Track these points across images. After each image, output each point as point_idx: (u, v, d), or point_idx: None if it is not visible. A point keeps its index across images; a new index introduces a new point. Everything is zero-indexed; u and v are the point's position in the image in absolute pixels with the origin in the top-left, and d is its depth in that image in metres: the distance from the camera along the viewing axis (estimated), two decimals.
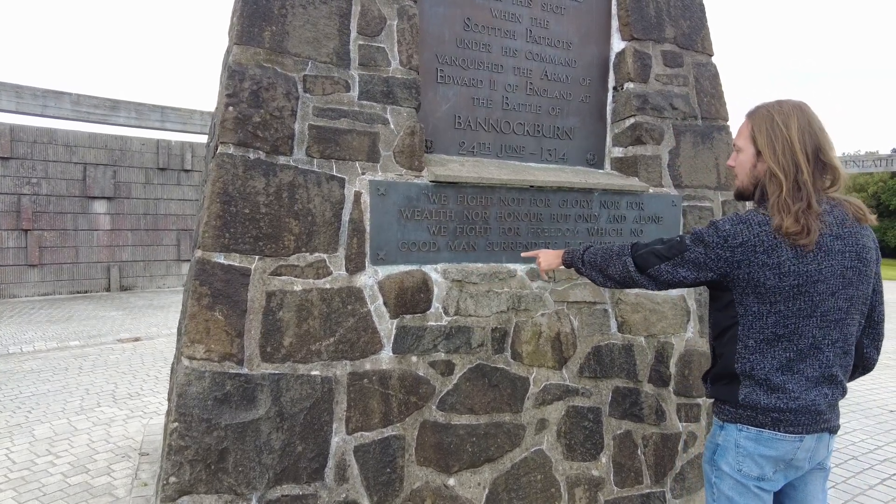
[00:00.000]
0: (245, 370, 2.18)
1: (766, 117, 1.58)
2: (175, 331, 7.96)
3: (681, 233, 3.19)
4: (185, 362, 2.13)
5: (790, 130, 1.54)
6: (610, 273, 1.89)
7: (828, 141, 1.56)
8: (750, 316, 1.58)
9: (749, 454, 1.59)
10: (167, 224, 14.22)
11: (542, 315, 2.76)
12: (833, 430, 1.62)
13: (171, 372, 2.95)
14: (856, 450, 4.25)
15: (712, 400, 1.77)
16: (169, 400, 2.60)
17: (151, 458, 3.74)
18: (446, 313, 2.55)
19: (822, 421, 1.57)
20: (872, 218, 1.59)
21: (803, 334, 1.54)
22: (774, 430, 1.56)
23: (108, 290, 13.27)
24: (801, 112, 1.57)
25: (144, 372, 6.29)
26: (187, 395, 2.09)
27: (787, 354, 1.55)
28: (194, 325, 2.14)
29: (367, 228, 2.43)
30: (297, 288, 2.27)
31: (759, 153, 1.60)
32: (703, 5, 3.54)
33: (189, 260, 12.73)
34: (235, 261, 2.20)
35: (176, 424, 2.07)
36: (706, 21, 3.54)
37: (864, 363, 1.73)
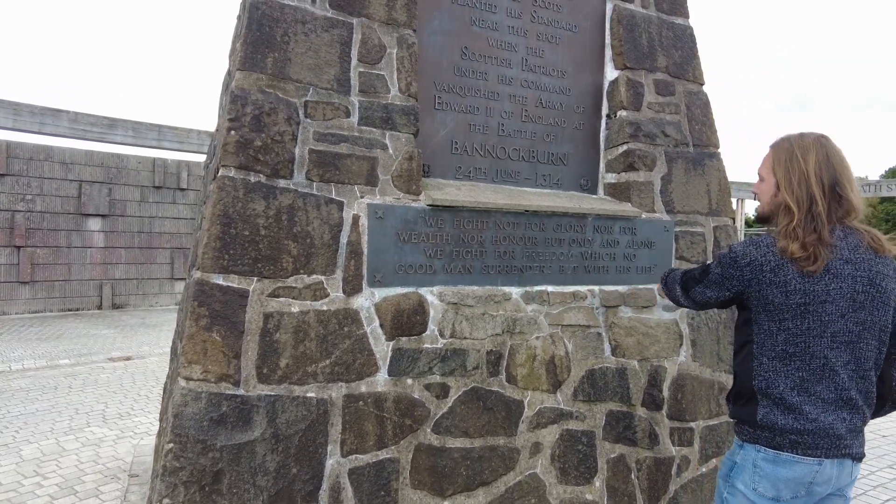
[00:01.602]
0: (241, 391, 2.19)
1: (787, 150, 1.65)
2: (168, 350, 7.91)
3: (673, 257, 3.25)
4: (182, 383, 2.13)
5: (808, 164, 1.60)
6: (672, 295, 2.03)
7: (846, 175, 1.62)
8: (763, 333, 1.63)
9: (766, 475, 1.60)
10: (161, 242, 14.19)
11: (537, 338, 2.78)
12: (856, 456, 1.61)
13: (164, 392, 2.94)
14: None
15: (734, 420, 1.79)
16: (161, 420, 2.60)
17: (141, 479, 3.70)
18: (442, 336, 2.57)
19: (842, 446, 1.57)
20: (894, 248, 1.63)
21: (815, 354, 1.57)
22: (793, 453, 1.57)
23: (100, 307, 13.18)
24: (821, 146, 1.63)
25: (136, 391, 6.23)
26: (183, 415, 2.10)
27: (801, 374, 1.58)
28: (192, 345, 2.15)
29: (365, 251, 2.46)
30: (295, 309, 2.29)
31: (778, 183, 1.67)
32: (693, 36, 3.64)
33: (183, 279, 12.65)
34: (234, 282, 2.22)
35: (171, 445, 2.07)
36: (697, 51, 3.63)
37: (893, 396, 1.70)
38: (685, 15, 3.62)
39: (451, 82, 2.95)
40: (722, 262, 1.72)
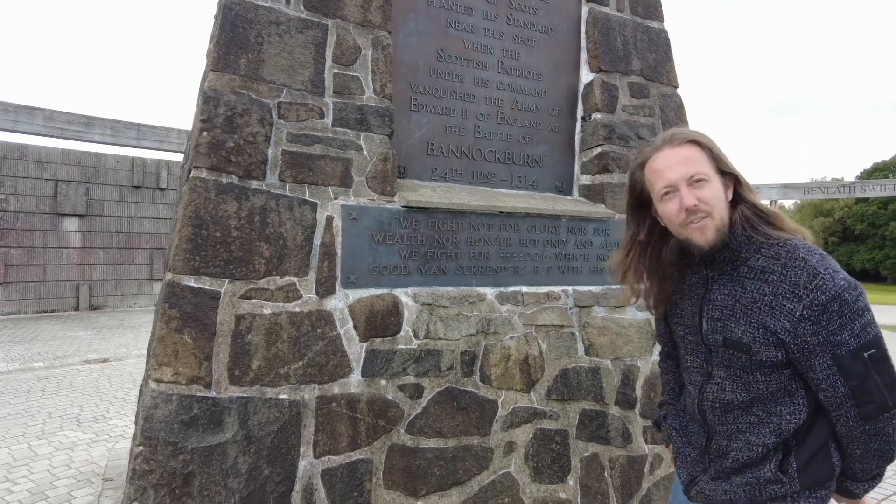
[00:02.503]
0: (213, 393, 2.18)
1: (709, 139, 1.41)
2: (145, 352, 7.81)
3: None
4: (153, 385, 2.12)
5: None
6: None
7: None
8: None
9: None
10: (140, 243, 14.02)
11: (511, 338, 2.81)
12: None
13: (140, 394, 2.92)
14: None
15: None
16: (136, 423, 2.58)
17: (116, 483, 3.66)
18: (416, 336, 2.58)
19: None
20: None
21: None
22: None
23: (76, 309, 12.98)
24: None
25: (112, 394, 6.15)
26: (153, 418, 2.08)
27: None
28: (162, 347, 2.14)
29: (339, 252, 2.46)
30: (267, 311, 2.28)
31: (727, 174, 1.38)
32: (668, 39, 3.70)
33: (162, 279, 12.54)
34: (205, 284, 2.21)
35: (141, 448, 2.05)
36: (671, 54, 3.69)
37: None
38: (660, 19, 3.67)
39: (427, 84, 2.96)
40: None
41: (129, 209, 13.89)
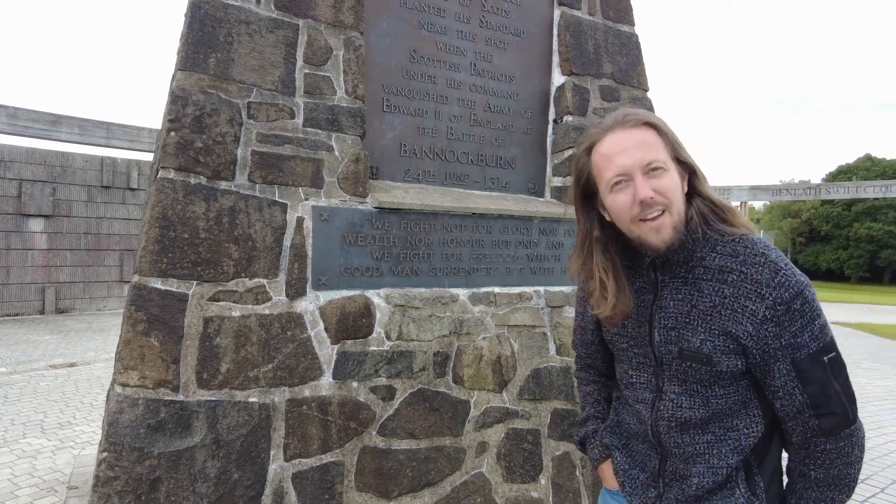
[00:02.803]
0: (181, 397, 2.15)
1: (665, 122, 1.25)
2: (114, 355, 7.64)
3: None
4: (118, 389, 2.08)
5: None
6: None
7: None
8: None
9: None
10: (110, 244, 13.71)
11: (484, 339, 2.82)
12: None
13: (107, 399, 2.86)
14: None
15: None
16: (103, 429, 2.52)
17: (81, 491, 3.57)
18: (388, 338, 2.57)
19: None
20: None
21: None
22: None
23: (42, 312, 12.64)
24: None
25: (78, 399, 6.01)
26: (119, 423, 2.04)
27: None
28: (128, 351, 2.10)
29: (310, 254, 2.45)
30: (236, 314, 2.26)
31: (682, 164, 1.24)
32: (639, 43, 3.75)
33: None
34: (173, 286, 2.17)
35: (105, 454, 2.01)
36: (642, 58, 3.74)
37: None
38: (631, 23, 3.73)
39: (400, 85, 2.96)
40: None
41: (98, 210, 13.56)
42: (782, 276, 1.14)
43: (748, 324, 1.15)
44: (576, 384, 1.70)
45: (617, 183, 1.20)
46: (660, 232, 1.18)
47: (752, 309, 1.15)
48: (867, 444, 4.95)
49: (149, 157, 14.14)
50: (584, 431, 1.57)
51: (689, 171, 1.24)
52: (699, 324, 1.20)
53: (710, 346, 1.18)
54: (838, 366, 1.16)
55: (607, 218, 1.28)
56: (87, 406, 5.76)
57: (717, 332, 1.18)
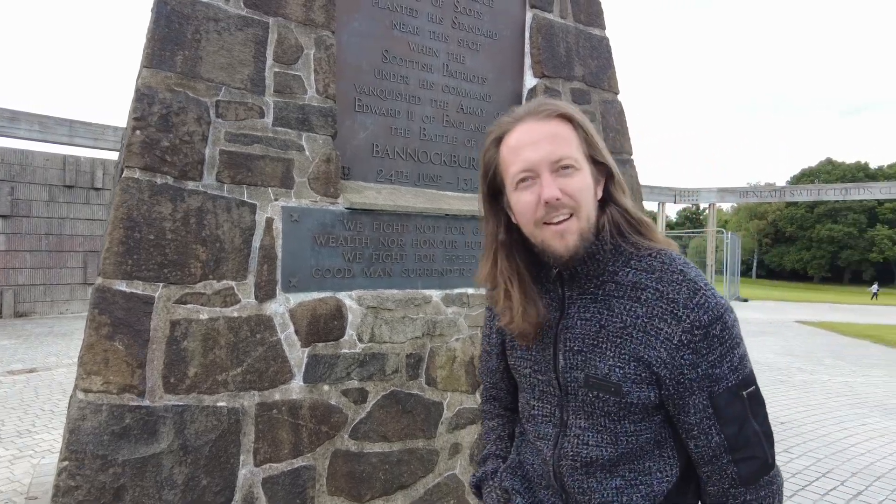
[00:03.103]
0: (147, 402, 2.09)
1: (583, 116, 1.10)
2: (77, 360, 7.42)
3: None
4: (80, 395, 2.02)
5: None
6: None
7: None
8: None
9: None
10: (73, 245, 13.32)
11: (457, 340, 2.82)
12: None
13: (69, 406, 2.77)
14: None
15: None
16: (64, 437, 2.45)
17: (41, 502, 3.46)
18: (360, 340, 2.55)
19: None
20: None
21: None
22: None
23: (0, 316, 12.21)
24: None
25: (38, 406, 5.82)
26: (80, 430, 1.98)
27: None
28: (91, 355, 2.04)
29: (279, 255, 2.41)
30: (204, 316, 2.21)
31: (599, 165, 1.09)
32: (609, 47, 3.80)
33: None
34: (138, 288, 2.12)
35: (66, 463, 1.95)
36: (613, 61, 3.79)
37: None
38: (602, 26, 3.77)
39: (372, 85, 2.94)
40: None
41: (60, 210, 13.17)
42: (701, 297, 1.01)
43: (662, 349, 1.01)
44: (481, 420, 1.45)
45: (522, 180, 1.05)
46: (564, 237, 1.03)
47: (666, 332, 1.01)
48: (829, 440, 5.12)
49: (114, 155, 13.80)
50: (482, 472, 1.35)
51: (606, 175, 1.10)
52: (608, 347, 1.05)
53: (620, 373, 1.04)
54: (758, 402, 1.04)
55: (514, 220, 1.12)
56: (47, 413, 5.58)
57: (627, 357, 1.03)
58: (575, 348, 1.09)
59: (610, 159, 1.09)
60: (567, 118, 1.06)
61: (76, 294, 13.37)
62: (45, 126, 13.18)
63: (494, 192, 1.14)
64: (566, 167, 1.02)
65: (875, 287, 34.19)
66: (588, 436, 1.09)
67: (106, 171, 13.80)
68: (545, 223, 1.04)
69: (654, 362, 1.01)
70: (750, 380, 1.03)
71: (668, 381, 1.02)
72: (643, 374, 1.03)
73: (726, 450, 1.02)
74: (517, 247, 1.15)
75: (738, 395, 1.01)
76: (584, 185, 1.04)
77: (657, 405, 1.06)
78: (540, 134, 1.04)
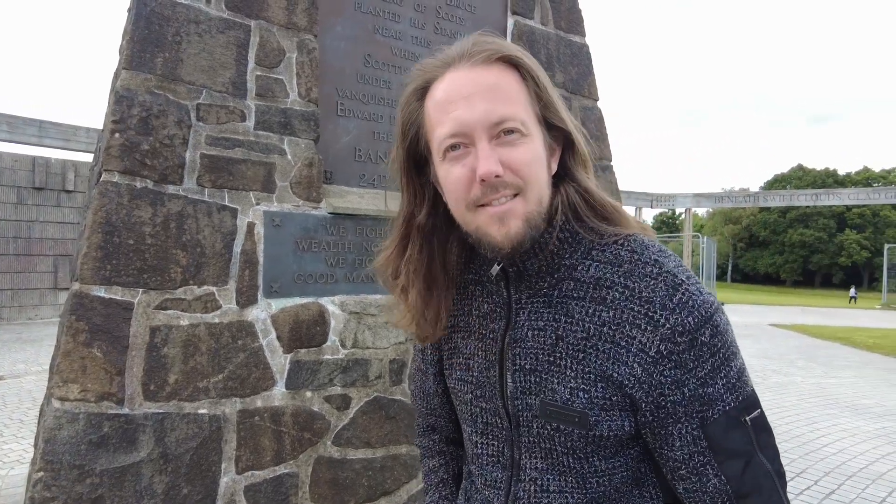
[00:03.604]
0: (126, 410, 2.05)
1: (534, 60, 0.83)
2: (48, 368, 7.24)
3: None
4: (56, 404, 1.97)
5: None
6: None
7: None
8: None
9: None
10: (43, 249, 13.01)
11: None
12: None
13: (41, 414, 2.70)
14: None
15: None
16: (35, 447, 2.38)
17: None
18: (343, 346, 2.54)
19: None
20: None
21: None
22: None
23: None
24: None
25: (6, 415, 5.66)
26: (56, 440, 1.93)
27: None
28: (68, 363, 1.99)
29: (261, 260, 2.39)
30: (184, 322, 2.18)
31: (554, 129, 0.84)
32: (589, 54, 3.85)
33: (68, 289, 11.71)
34: (117, 294, 2.08)
35: (41, 474, 1.90)
36: (592, 68, 3.84)
37: None
38: (582, 34, 3.82)
39: (355, 89, 2.93)
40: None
41: (29, 212, 12.86)
42: (684, 294, 0.77)
43: (635, 364, 0.77)
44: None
45: (452, 147, 0.79)
46: (505, 223, 0.78)
47: (640, 341, 0.77)
48: (802, 440, 5.23)
49: (86, 157, 13.53)
50: None
51: (563, 143, 0.85)
52: (568, 365, 0.81)
53: (584, 398, 0.79)
54: (765, 431, 0.79)
55: (445, 198, 0.86)
56: (15, 422, 5.43)
57: (593, 376, 0.79)
58: (527, 367, 0.84)
59: (569, 121, 0.83)
60: (513, 63, 0.80)
61: (46, 299, 13.05)
62: (14, 126, 12.86)
63: (417, 161, 0.88)
64: (510, 132, 0.77)
65: (853, 291, 35.07)
66: (548, 480, 0.84)
67: (78, 172, 13.52)
68: (480, 206, 0.79)
69: (627, 381, 0.78)
70: (753, 401, 0.79)
71: (644, 405, 0.78)
72: (613, 398, 0.79)
73: (730, 499, 0.77)
74: (440, 235, 0.91)
75: (739, 421, 0.77)
76: (533, 157, 0.78)
77: (633, 436, 0.82)
78: (475, 85, 0.77)
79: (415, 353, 1.15)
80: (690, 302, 0.76)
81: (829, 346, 12.05)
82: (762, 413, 0.80)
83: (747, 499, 0.77)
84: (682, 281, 0.78)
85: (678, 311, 0.76)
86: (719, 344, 0.77)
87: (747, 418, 0.77)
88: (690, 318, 0.76)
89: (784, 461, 4.66)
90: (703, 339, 0.76)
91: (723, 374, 0.77)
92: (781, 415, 6.23)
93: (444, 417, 1.11)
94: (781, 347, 11.65)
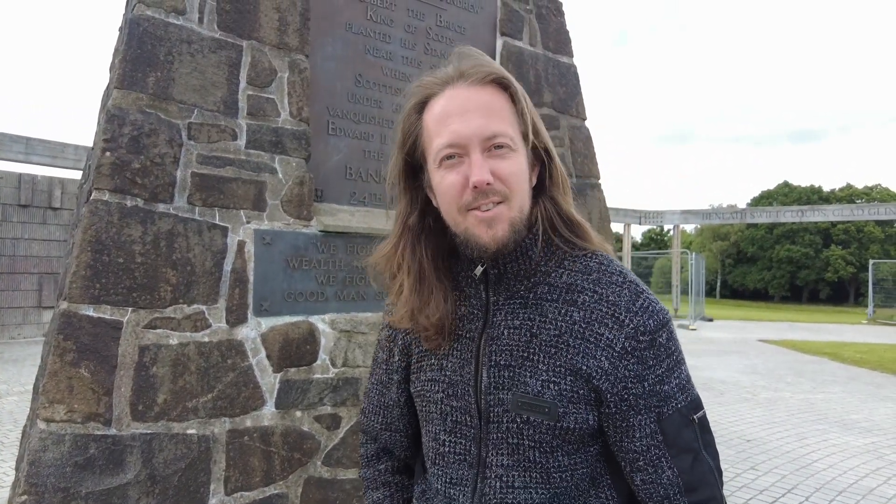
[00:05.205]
0: (113, 431, 2.03)
1: (518, 85, 0.94)
2: (30, 388, 7.11)
3: None
4: (42, 425, 1.94)
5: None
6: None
7: None
8: None
9: None
10: (27, 267, 12.85)
11: None
12: None
13: (23, 436, 2.66)
14: None
15: None
16: (18, 469, 2.34)
17: None
18: (334, 365, 2.53)
19: None
20: None
21: None
22: None
23: None
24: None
25: None
26: (41, 462, 1.90)
27: None
28: (55, 383, 1.97)
29: (251, 278, 2.38)
30: (174, 342, 2.16)
31: (538, 147, 0.95)
32: (577, 74, 3.91)
33: (53, 307, 11.55)
34: (106, 313, 2.06)
35: (25, 497, 1.86)
36: (580, 88, 3.90)
37: None
38: (570, 54, 3.89)
39: (345, 108, 2.96)
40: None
41: (13, 230, 12.71)
42: (645, 301, 0.90)
43: (603, 358, 0.87)
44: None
45: (448, 157, 0.89)
46: (492, 226, 0.88)
47: (608, 338, 0.88)
48: (793, 455, 5.25)
49: (73, 174, 13.44)
50: None
51: (542, 160, 0.96)
52: (540, 360, 0.90)
53: (555, 390, 0.88)
54: (707, 431, 0.91)
55: (435, 203, 0.96)
56: None
57: (563, 370, 0.88)
58: (502, 363, 0.92)
59: (549, 141, 0.95)
60: (503, 85, 0.91)
61: (29, 318, 12.86)
62: (0, 143, 12.77)
63: (414, 168, 0.98)
64: (500, 146, 0.87)
65: (871, 309, 27.02)
66: (513, 476, 0.90)
67: (65, 190, 13.42)
68: (471, 210, 0.88)
69: (595, 374, 0.87)
70: (698, 403, 0.91)
71: (609, 396, 0.87)
72: (581, 391, 0.88)
73: (680, 490, 0.87)
74: (428, 236, 0.98)
75: (689, 419, 0.89)
76: (518, 169, 0.89)
77: (594, 433, 0.91)
78: (472, 103, 0.88)
79: (374, 367, 1.18)
80: (651, 308, 0.90)
81: (817, 362, 12.13)
82: (705, 415, 0.92)
83: (695, 492, 0.87)
84: (643, 290, 0.92)
85: (640, 314, 0.89)
86: (672, 348, 0.90)
87: (695, 417, 0.90)
88: (651, 321, 0.89)
89: (776, 477, 4.67)
90: (660, 340, 0.89)
91: (675, 375, 0.89)
92: (772, 430, 6.25)
93: (399, 432, 1.13)
94: (770, 363, 11.71)
